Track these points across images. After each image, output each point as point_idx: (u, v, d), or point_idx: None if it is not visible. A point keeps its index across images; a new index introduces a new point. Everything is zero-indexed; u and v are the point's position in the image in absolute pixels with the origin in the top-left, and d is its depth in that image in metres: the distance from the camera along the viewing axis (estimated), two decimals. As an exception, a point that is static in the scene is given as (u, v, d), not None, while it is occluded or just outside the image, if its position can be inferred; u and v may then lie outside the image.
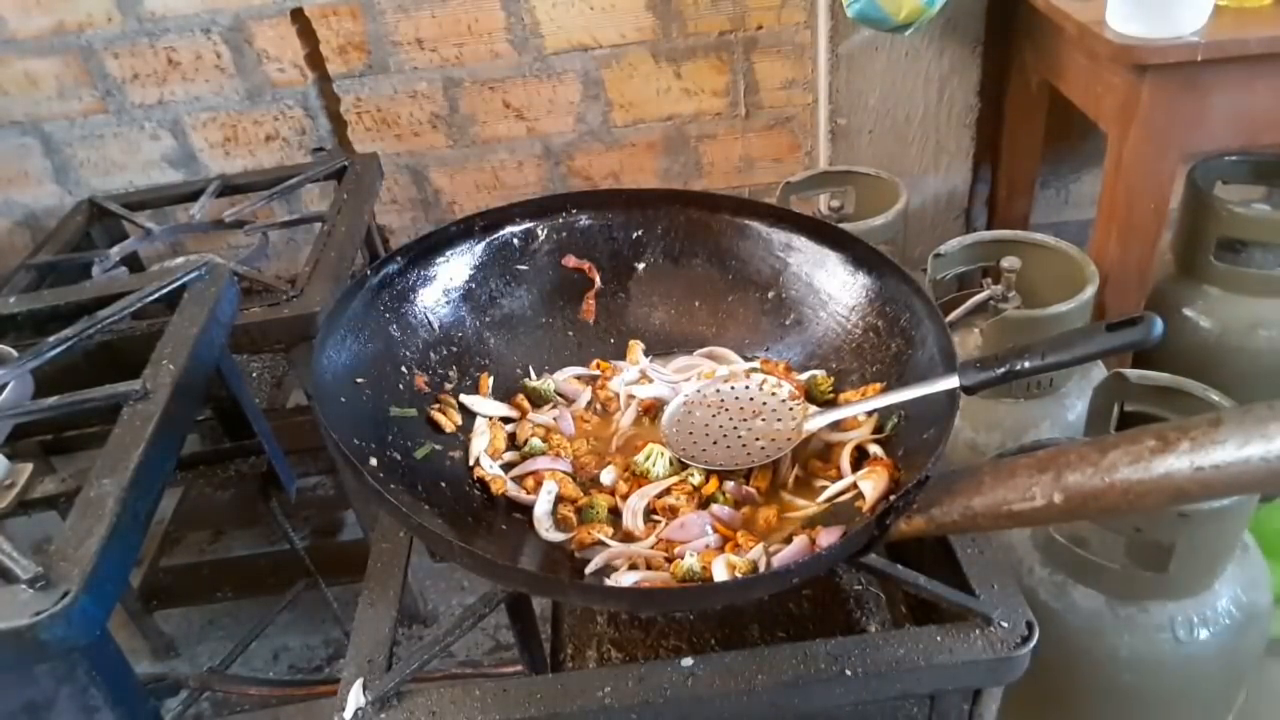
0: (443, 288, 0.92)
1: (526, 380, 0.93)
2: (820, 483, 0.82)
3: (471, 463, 0.84)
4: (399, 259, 0.89)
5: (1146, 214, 1.42)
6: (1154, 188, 1.39)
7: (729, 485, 0.82)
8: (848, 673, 0.69)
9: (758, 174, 1.95)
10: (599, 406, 0.92)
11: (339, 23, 1.74)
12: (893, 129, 1.88)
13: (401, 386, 0.86)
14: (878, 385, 0.85)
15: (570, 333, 0.98)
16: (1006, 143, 1.91)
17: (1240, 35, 1.26)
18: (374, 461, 0.74)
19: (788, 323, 0.94)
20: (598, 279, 0.98)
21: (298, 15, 1.73)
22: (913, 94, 1.85)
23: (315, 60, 1.78)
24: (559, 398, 0.93)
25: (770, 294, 0.95)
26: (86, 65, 1.75)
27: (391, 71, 1.80)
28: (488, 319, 0.95)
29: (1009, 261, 1.35)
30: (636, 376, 0.93)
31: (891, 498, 0.70)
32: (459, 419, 0.87)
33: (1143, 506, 0.51)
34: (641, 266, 0.99)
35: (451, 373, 0.91)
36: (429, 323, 0.91)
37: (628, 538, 0.78)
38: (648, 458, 0.83)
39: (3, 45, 1.72)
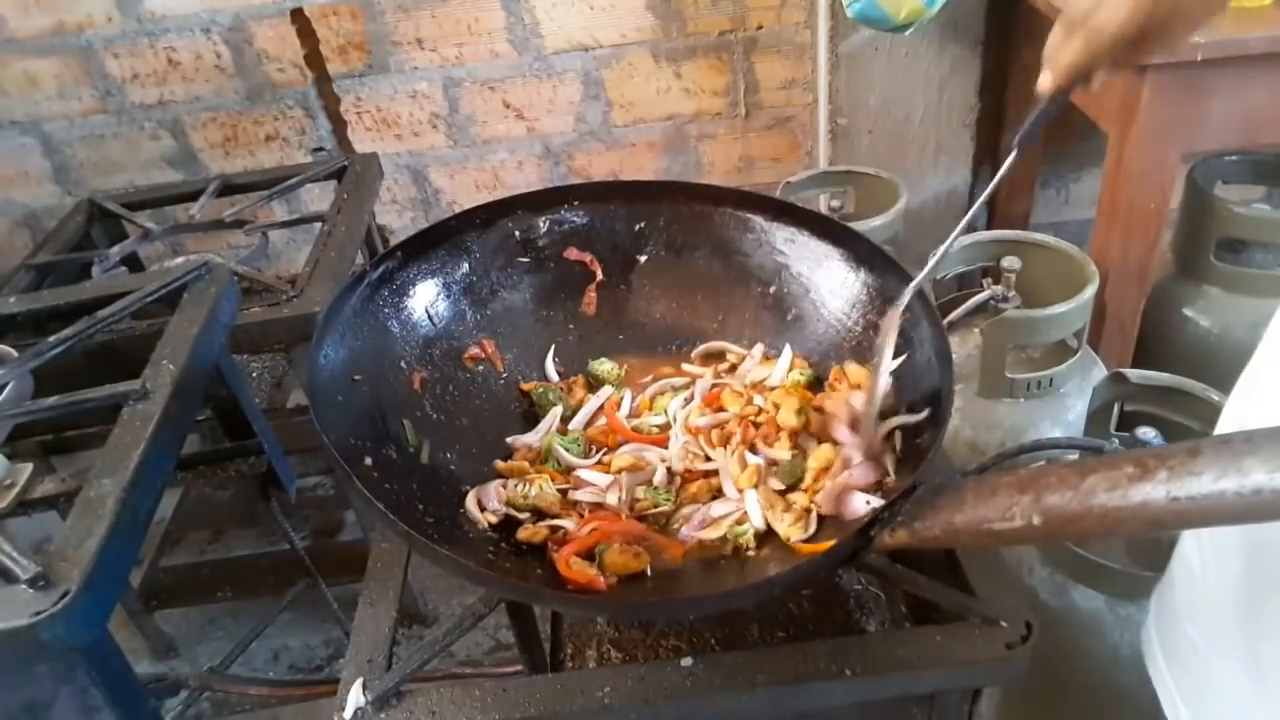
0: (443, 282, 0.92)
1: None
2: None
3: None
4: (399, 254, 0.89)
5: (1146, 214, 1.41)
6: (1154, 188, 1.39)
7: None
8: (848, 673, 0.69)
9: (758, 174, 1.95)
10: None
11: (339, 23, 1.74)
12: (893, 129, 1.88)
13: (399, 383, 0.85)
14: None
15: (571, 326, 0.98)
16: (1007, 143, 1.90)
17: (1240, 35, 1.25)
18: (369, 460, 0.74)
19: (788, 318, 0.94)
20: (599, 271, 0.98)
21: (298, 15, 1.73)
22: (913, 94, 1.85)
23: (315, 60, 1.78)
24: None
25: (771, 289, 0.95)
26: (86, 65, 1.75)
27: (391, 71, 1.79)
28: (488, 313, 0.94)
29: (1009, 261, 1.35)
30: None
31: (880, 504, 0.69)
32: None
33: (1121, 532, 0.50)
34: (643, 259, 0.99)
35: (446, 367, 0.90)
36: (429, 317, 0.90)
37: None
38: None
39: (3, 45, 1.72)
